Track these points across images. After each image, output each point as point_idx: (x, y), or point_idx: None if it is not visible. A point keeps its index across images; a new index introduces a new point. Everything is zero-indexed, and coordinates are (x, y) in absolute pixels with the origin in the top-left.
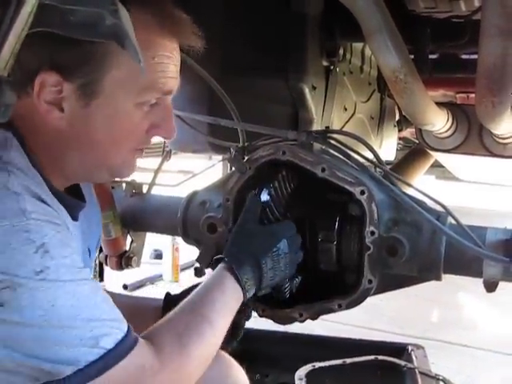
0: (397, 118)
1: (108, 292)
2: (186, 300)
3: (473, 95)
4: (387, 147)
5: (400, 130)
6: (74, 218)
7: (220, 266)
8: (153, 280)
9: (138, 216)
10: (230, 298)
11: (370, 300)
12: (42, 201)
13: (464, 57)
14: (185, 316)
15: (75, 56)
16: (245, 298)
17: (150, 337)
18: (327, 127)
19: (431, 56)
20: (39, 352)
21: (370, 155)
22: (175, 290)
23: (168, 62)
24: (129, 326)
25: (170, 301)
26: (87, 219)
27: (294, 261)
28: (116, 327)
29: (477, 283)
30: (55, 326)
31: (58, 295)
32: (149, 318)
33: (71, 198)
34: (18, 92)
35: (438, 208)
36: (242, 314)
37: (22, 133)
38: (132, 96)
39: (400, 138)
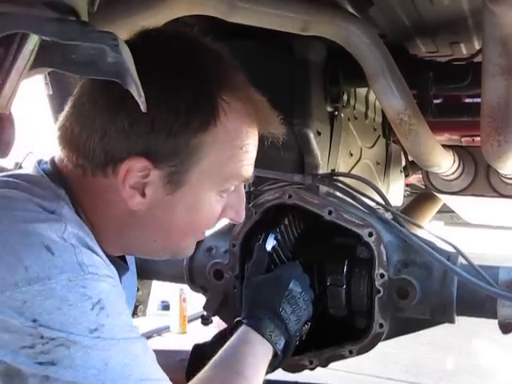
0: (403, 163)
1: None
2: (215, 358)
3: (478, 138)
4: (394, 192)
5: (407, 176)
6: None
7: (241, 328)
8: (160, 331)
9: (144, 264)
10: (260, 351)
11: (382, 348)
12: (96, 253)
13: (467, 100)
14: (219, 373)
15: (169, 146)
16: (277, 350)
17: None
18: (333, 170)
19: (435, 101)
20: None
21: (377, 198)
22: (183, 341)
23: (252, 151)
24: None
25: (198, 353)
26: (125, 287)
27: (310, 299)
28: None
29: (491, 329)
30: None
31: (111, 354)
32: (173, 373)
33: (118, 260)
34: (93, 170)
35: (448, 249)
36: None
37: (81, 204)
38: (216, 185)
39: (407, 185)
